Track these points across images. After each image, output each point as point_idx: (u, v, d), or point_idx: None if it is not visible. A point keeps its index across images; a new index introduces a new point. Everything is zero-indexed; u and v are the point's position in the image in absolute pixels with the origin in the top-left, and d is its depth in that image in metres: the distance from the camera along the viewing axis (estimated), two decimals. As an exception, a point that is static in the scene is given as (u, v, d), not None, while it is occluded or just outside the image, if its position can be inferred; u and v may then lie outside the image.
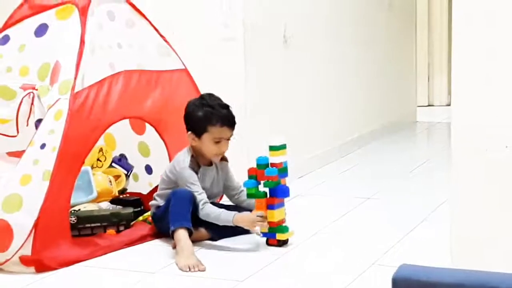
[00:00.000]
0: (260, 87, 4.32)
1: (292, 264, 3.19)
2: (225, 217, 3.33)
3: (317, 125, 4.92)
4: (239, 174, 3.59)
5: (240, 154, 3.92)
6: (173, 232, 3.26)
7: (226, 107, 3.45)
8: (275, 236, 3.33)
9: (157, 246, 3.43)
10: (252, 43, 4.22)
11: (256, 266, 3.11)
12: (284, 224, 3.35)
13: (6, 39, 3.64)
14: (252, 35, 4.21)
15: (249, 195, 3.37)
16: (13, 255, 3.10)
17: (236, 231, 3.47)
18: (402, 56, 6.48)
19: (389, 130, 6.00)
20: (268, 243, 3.37)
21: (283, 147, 3.35)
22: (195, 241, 3.32)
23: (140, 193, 3.94)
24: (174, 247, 3.27)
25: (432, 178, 4.55)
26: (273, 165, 3.33)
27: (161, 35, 3.78)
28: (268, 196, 3.35)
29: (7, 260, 3.12)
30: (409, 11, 6.58)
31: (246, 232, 3.50)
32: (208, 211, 3.35)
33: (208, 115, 3.40)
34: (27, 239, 3.09)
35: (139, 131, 3.94)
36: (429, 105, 7.36)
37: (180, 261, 3.13)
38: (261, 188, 3.36)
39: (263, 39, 4.34)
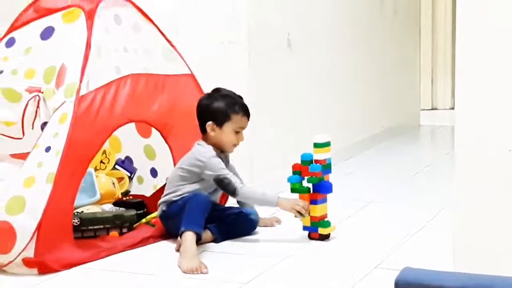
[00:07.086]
0: (263, 90, 4.32)
1: (295, 266, 3.19)
2: (270, 198, 3.39)
3: (320, 128, 4.91)
4: (241, 176, 3.60)
5: (242, 156, 3.92)
6: (182, 232, 3.26)
7: (242, 97, 3.51)
8: (317, 230, 3.41)
9: (160, 248, 3.44)
10: (256, 47, 4.22)
11: (259, 269, 3.12)
12: (326, 219, 3.43)
13: (12, 41, 3.65)
14: (255, 38, 4.22)
15: (293, 190, 3.44)
16: (16, 257, 3.10)
17: (239, 232, 3.49)
18: (405, 59, 6.48)
19: (392, 133, 6.00)
20: (310, 237, 3.44)
21: (327, 144, 3.43)
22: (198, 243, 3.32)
23: (143, 195, 3.95)
24: (177, 249, 3.28)
25: (435, 182, 4.55)
26: (317, 161, 3.40)
27: (167, 40, 3.79)
28: (311, 191, 3.42)
29: (10, 262, 3.11)
30: (413, 15, 6.59)
31: (249, 234, 3.52)
32: (250, 191, 3.39)
33: (231, 104, 3.45)
34: (30, 241, 3.09)
35: (145, 134, 3.95)
36: (432, 109, 7.36)
37: (183, 264, 3.13)
38: (305, 183, 3.44)
39: (267, 43, 4.34)
